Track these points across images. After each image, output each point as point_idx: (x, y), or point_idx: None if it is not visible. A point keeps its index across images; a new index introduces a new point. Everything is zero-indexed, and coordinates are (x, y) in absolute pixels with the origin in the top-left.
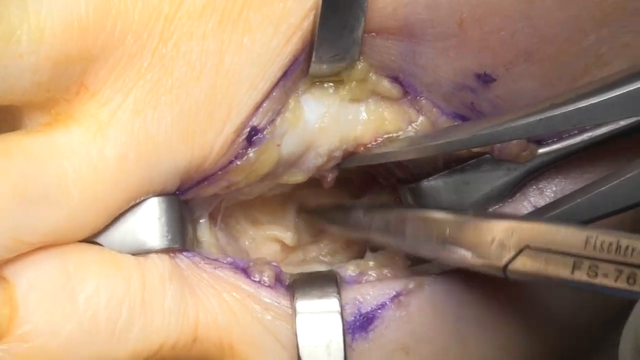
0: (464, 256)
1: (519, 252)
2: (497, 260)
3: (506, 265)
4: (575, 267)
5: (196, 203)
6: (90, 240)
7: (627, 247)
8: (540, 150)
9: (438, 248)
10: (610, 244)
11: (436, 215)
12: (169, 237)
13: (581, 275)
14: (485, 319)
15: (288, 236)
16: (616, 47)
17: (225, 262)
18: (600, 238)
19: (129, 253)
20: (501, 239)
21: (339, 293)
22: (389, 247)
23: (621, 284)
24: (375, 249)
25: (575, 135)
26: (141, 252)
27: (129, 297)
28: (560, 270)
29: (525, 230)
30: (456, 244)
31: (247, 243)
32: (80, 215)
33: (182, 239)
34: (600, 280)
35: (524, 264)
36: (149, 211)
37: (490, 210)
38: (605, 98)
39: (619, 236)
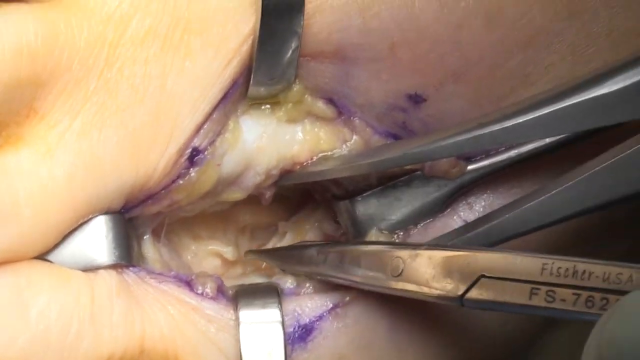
0: (419, 289)
1: (475, 282)
2: (453, 291)
3: (463, 295)
4: (532, 294)
5: (140, 220)
6: (41, 257)
7: (583, 272)
8: (470, 167)
9: (392, 282)
10: (567, 270)
11: (390, 249)
12: (116, 254)
13: (539, 301)
14: (418, 327)
15: (229, 251)
16: (541, 68)
17: (169, 276)
18: (557, 264)
19: (78, 269)
20: (457, 269)
21: (280, 303)
22: (341, 283)
23: (579, 308)
24: None
25: (502, 152)
26: (90, 269)
27: (79, 311)
28: (517, 297)
29: (480, 260)
30: (411, 277)
31: (189, 258)
32: (31, 234)
33: (128, 255)
34: (557, 305)
35: (481, 293)
36: (97, 229)
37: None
38: (529, 118)
39: (575, 261)
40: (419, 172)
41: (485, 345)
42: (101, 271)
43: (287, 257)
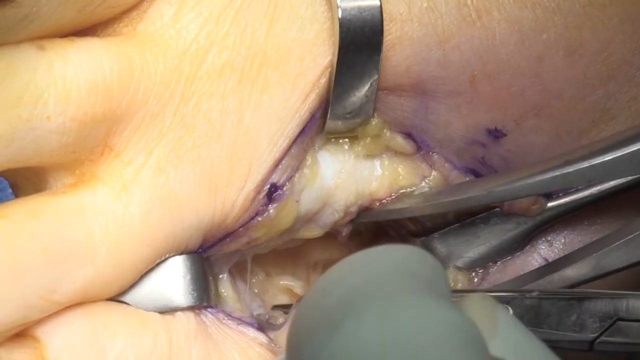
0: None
1: (611, 325)
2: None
3: (596, 339)
4: None
5: (216, 259)
6: (117, 299)
7: None
8: (550, 204)
9: None
10: None
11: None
12: (195, 295)
13: None
14: None
15: (299, 285)
16: (622, 101)
17: (247, 319)
18: None
19: (155, 311)
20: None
21: None
22: None
23: None
24: None
25: (583, 188)
26: (167, 310)
27: (156, 355)
28: None
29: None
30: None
31: (262, 294)
32: (108, 274)
33: (206, 296)
34: None
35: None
36: (174, 269)
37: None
38: (617, 155)
39: None
40: (497, 209)
41: None
42: (179, 313)
43: None
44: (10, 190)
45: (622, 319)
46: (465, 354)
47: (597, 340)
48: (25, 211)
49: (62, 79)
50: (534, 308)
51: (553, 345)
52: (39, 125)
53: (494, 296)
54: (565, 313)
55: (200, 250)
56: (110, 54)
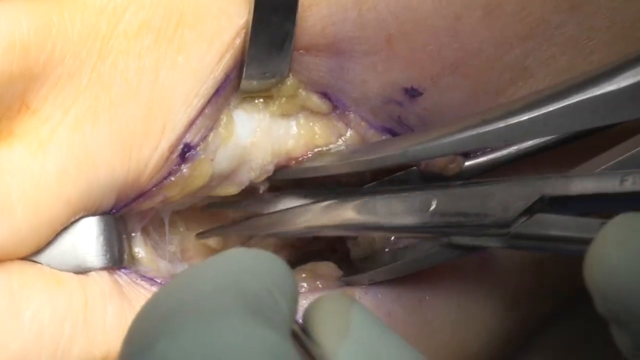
0: (457, 220)
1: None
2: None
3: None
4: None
5: (130, 217)
6: (31, 259)
7: None
8: (467, 163)
9: (424, 217)
10: None
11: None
12: (108, 256)
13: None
14: (414, 326)
15: (216, 241)
16: (541, 60)
17: (160, 281)
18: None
19: (68, 271)
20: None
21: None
22: (337, 230)
23: None
24: (306, 259)
25: (500, 148)
26: (81, 271)
27: (72, 315)
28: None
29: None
30: (445, 211)
31: (176, 250)
32: (23, 231)
33: (120, 257)
34: None
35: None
36: (87, 230)
37: None
38: (534, 115)
39: None
40: (414, 168)
41: (484, 342)
42: (93, 273)
43: (264, 224)
44: None
45: (544, 197)
46: None
47: (515, 233)
48: None
49: None
50: (456, 195)
51: (475, 233)
52: None
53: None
54: (489, 197)
55: (114, 210)
56: (28, 12)
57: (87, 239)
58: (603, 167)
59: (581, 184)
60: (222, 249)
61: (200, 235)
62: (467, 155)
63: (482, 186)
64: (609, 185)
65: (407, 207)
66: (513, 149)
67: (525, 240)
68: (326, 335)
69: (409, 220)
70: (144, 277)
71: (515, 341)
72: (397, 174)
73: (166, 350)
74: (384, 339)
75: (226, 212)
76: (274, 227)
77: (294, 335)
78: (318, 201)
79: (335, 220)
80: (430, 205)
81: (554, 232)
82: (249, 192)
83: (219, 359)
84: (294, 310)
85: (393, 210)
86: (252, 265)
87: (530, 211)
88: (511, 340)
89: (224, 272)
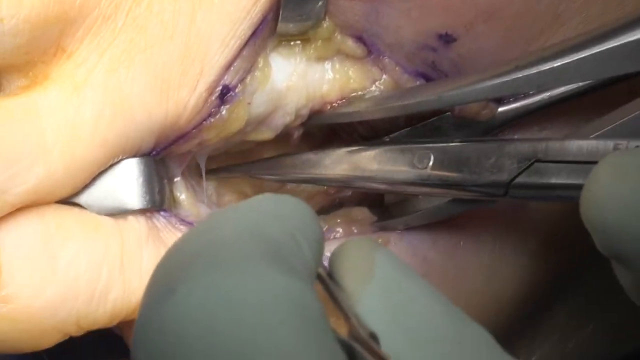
0: (452, 177)
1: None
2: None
3: (511, 181)
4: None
5: (170, 162)
6: (70, 201)
7: None
8: (500, 109)
9: (419, 173)
10: None
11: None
12: (147, 198)
13: None
14: (449, 272)
15: (249, 186)
16: (573, 8)
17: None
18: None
19: (107, 214)
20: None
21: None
22: (343, 184)
23: None
24: (339, 205)
25: (534, 94)
26: (119, 213)
27: (108, 260)
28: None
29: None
30: (443, 168)
31: (213, 194)
32: (60, 174)
33: (160, 199)
34: None
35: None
36: (127, 172)
37: None
38: (567, 61)
39: None
40: (448, 114)
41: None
42: (130, 217)
43: (276, 166)
44: None
45: (539, 160)
46: (297, 331)
47: (514, 182)
48: None
49: None
50: (455, 153)
51: (470, 188)
52: None
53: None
54: (484, 156)
55: (153, 152)
56: None
57: (126, 181)
58: (597, 133)
59: (576, 148)
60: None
61: (212, 172)
62: (500, 101)
63: (479, 144)
64: (602, 151)
65: (405, 160)
66: (545, 95)
67: (525, 189)
68: (350, 279)
69: (406, 174)
70: (183, 221)
71: (546, 288)
72: (431, 119)
73: (184, 298)
74: (409, 282)
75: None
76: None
77: (320, 279)
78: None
79: (332, 171)
80: (429, 160)
81: (554, 180)
82: (283, 139)
83: (239, 306)
84: (318, 256)
85: (391, 163)
86: (276, 210)
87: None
88: (543, 287)
89: (246, 218)
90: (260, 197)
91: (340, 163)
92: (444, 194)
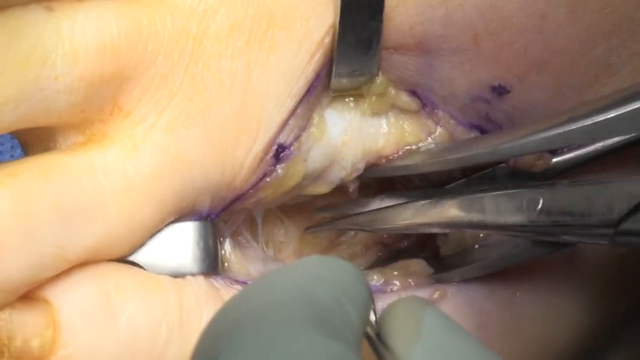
0: (561, 219)
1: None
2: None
3: (618, 224)
4: None
5: (222, 221)
6: (128, 260)
7: None
8: (554, 159)
9: (530, 215)
10: None
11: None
12: (207, 262)
13: None
14: (505, 322)
15: (308, 237)
16: (625, 57)
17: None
18: None
19: (165, 274)
20: (609, 197)
21: (373, 303)
22: (442, 227)
23: None
24: (395, 256)
25: (587, 144)
26: (177, 275)
27: (168, 318)
28: None
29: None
30: (551, 209)
31: (268, 250)
32: (118, 232)
33: (215, 263)
34: None
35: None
36: (187, 235)
37: None
38: (622, 112)
39: None
40: (503, 165)
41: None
42: (189, 277)
43: (362, 221)
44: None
45: None
46: None
47: (621, 229)
48: (35, 169)
49: (70, 40)
50: (563, 195)
51: (579, 231)
52: (47, 86)
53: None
54: (593, 198)
55: (213, 215)
56: (117, 14)
57: (185, 244)
58: None
59: None
60: (313, 246)
61: (308, 229)
62: (554, 152)
63: (587, 186)
64: None
65: (514, 205)
66: (599, 145)
67: (633, 236)
68: (398, 340)
69: (516, 218)
70: (236, 281)
71: (601, 336)
72: (486, 170)
73: None
74: (456, 341)
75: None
76: (373, 224)
77: (368, 340)
78: (414, 200)
79: (439, 218)
80: (537, 204)
81: None
82: (339, 190)
83: None
84: (365, 318)
85: (500, 208)
86: (322, 273)
87: (635, 211)
88: (598, 335)
89: (291, 281)
90: (306, 259)
91: (450, 208)
92: (552, 237)
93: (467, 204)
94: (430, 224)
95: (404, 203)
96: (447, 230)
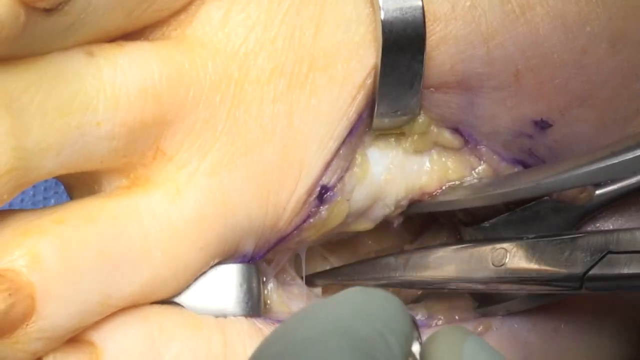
0: (528, 274)
1: (600, 259)
2: (573, 270)
3: (585, 273)
4: None
5: (265, 261)
6: (172, 301)
7: None
8: (598, 192)
9: (495, 271)
10: None
11: (488, 243)
12: (249, 305)
13: None
14: (550, 355)
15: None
16: None
17: None
18: None
19: (207, 315)
20: (576, 249)
21: (420, 338)
22: (425, 286)
23: None
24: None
25: (630, 177)
26: (220, 316)
27: (212, 357)
28: None
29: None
30: (517, 264)
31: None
32: (162, 277)
33: (259, 306)
34: None
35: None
36: (230, 278)
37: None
38: None
39: None
40: (546, 198)
41: None
42: (231, 317)
43: (359, 271)
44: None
45: (611, 252)
46: None
47: (588, 274)
48: (81, 216)
49: (111, 85)
50: (530, 248)
51: (546, 284)
52: (89, 132)
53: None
54: (559, 250)
55: (257, 257)
56: (159, 59)
57: (228, 286)
58: None
59: None
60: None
61: (310, 279)
62: (597, 185)
63: (552, 240)
64: None
65: (479, 261)
66: None
67: (599, 281)
68: None
69: (481, 274)
70: (279, 320)
71: None
72: (529, 204)
73: None
74: None
75: (359, 243)
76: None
77: None
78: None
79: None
80: (504, 259)
81: (626, 270)
82: (383, 226)
83: None
84: (407, 351)
85: (466, 264)
86: (364, 306)
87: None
88: None
89: (333, 315)
90: (347, 291)
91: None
92: (521, 289)
93: (429, 263)
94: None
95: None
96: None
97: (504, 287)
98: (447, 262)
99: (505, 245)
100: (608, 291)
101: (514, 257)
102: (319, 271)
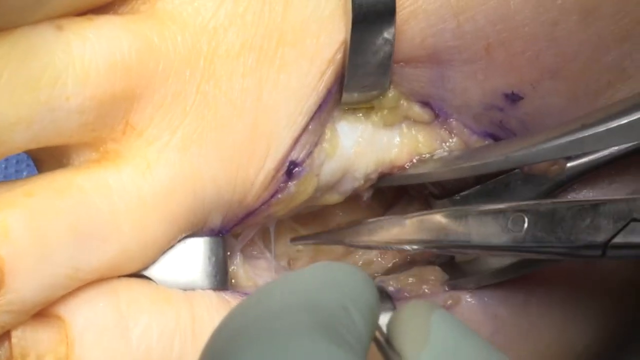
0: (546, 240)
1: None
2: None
3: (608, 242)
4: None
5: (233, 236)
6: (140, 275)
7: None
8: (569, 165)
9: (513, 235)
10: None
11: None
12: (218, 278)
13: None
14: (521, 327)
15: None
16: (638, 61)
17: None
18: None
19: (176, 288)
20: (598, 216)
21: (394, 308)
22: (426, 245)
23: None
24: (411, 263)
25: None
26: (188, 289)
27: (180, 331)
28: None
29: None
30: (536, 230)
31: (282, 261)
32: (131, 250)
33: (226, 279)
34: None
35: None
36: (198, 251)
37: None
38: (633, 119)
39: None
40: (517, 171)
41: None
42: (199, 290)
43: (354, 233)
44: None
45: (636, 219)
46: None
47: (611, 243)
48: (51, 189)
49: (81, 60)
50: (549, 214)
51: (567, 252)
52: (58, 106)
53: (509, 207)
54: (579, 217)
55: (224, 231)
56: (128, 33)
57: (196, 260)
58: None
59: None
60: (329, 254)
61: (293, 241)
62: (568, 158)
63: (573, 205)
64: None
65: (499, 226)
66: (613, 149)
67: (622, 249)
68: (406, 344)
69: (501, 240)
70: (246, 294)
71: (619, 339)
72: (500, 177)
73: None
74: (466, 343)
75: (328, 216)
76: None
77: (377, 345)
78: (400, 216)
79: (422, 236)
80: (523, 224)
81: None
82: (352, 199)
83: None
84: (372, 325)
85: (484, 229)
86: (328, 280)
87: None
88: (616, 338)
89: (297, 289)
90: (313, 265)
91: (425, 227)
92: (540, 257)
93: (452, 223)
94: (413, 241)
95: (388, 218)
96: (433, 250)
97: (520, 254)
98: (458, 226)
99: (523, 209)
100: (631, 259)
101: (532, 222)
102: (305, 235)
